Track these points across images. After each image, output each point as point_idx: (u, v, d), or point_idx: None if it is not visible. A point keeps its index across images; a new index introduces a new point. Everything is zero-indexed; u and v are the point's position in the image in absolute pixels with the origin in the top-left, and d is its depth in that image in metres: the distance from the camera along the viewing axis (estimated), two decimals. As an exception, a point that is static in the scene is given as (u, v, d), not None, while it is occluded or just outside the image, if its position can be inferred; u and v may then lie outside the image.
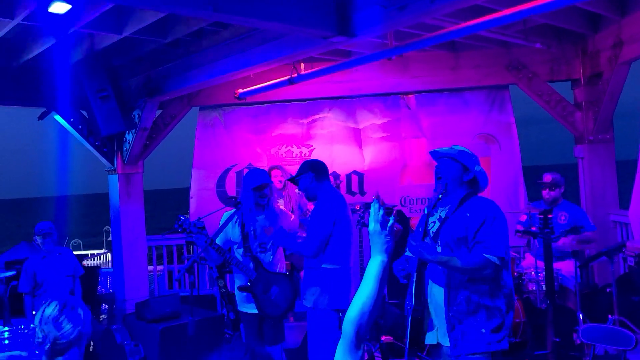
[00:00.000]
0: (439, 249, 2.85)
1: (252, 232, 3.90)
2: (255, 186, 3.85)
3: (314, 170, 3.81)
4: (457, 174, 2.90)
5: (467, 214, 2.82)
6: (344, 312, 3.64)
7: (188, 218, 3.98)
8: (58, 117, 6.42)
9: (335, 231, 3.75)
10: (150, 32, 5.06)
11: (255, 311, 3.87)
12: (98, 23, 4.70)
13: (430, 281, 2.89)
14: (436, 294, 2.87)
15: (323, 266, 3.74)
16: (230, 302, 5.23)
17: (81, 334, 1.99)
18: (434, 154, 3.01)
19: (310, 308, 3.76)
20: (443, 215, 2.92)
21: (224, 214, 3.98)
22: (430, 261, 2.78)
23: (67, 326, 1.97)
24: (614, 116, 6.37)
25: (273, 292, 3.86)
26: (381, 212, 1.82)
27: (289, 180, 3.98)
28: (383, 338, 4.89)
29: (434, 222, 2.94)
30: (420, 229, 2.95)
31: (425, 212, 3.01)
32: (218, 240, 3.87)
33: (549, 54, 6.24)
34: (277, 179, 6.07)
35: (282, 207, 4.36)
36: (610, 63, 5.75)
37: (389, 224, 1.81)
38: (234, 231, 3.95)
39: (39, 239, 5.15)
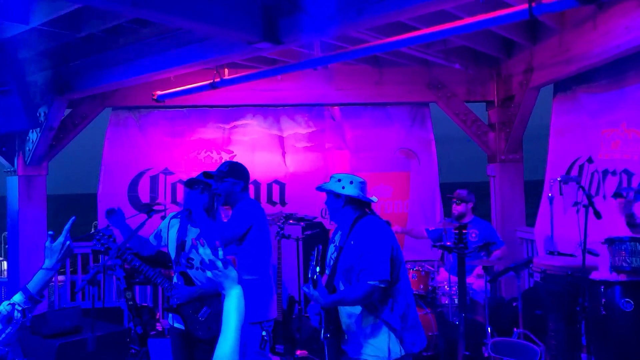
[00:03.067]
0: (340, 283, 2.94)
1: (184, 243, 3.66)
2: (189, 180, 3.63)
3: (244, 180, 3.73)
4: (332, 203, 3.03)
5: (352, 242, 2.92)
6: (265, 323, 3.53)
7: (107, 233, 3.69)
8: (-50, 110, 5.82)
9: (253, 240, 3.63)
10: (62, 25, 4.69)
11: (181, 327, 3.64)
12: (2, 11, 4.30)
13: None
14: (343, 313, 2.98)
15: (243, 277, 3.60)
16: (138, 315, 4.94)
17: None
18: (320, 190, 3.11)
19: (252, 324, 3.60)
20: (338, 244, 3.04)
21: (167, 218, 3.77)
22: (325, 305, 2.87)
23: None
24: (524, 138, 6.74)
25: (204, 313, 3.61)
26: (207, 255, 1.87)
27: (209, 174, 3.69)
28: (298, 352, 4.81)
29: (334, 252, 3.05)
30: (314, 264, 2.96)
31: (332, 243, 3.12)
32: (152, 238, 3.73)
33: (467, 75, 6.51)
34: None
35: None
36: (521, 87, 6.08)
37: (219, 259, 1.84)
38: (170, 238, 3.71)
39: None
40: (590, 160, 5.46)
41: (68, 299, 6.74)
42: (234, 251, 3.68)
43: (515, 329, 4.82)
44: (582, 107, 5.63)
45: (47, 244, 2.10)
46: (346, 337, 2.97)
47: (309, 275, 2.83)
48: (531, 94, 6.05)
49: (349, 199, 2.98)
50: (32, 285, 2.03)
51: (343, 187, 2.97)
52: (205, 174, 3.70)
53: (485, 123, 6.80)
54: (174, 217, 3.80)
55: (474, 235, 5.15)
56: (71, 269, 6.75)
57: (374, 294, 2.83)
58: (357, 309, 2.91)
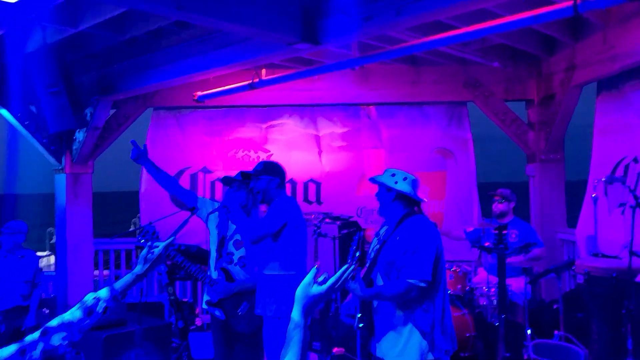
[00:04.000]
0: (378, 276, 2.97)
1: (226, 240, 3.78)
2: (242, 173, 3.73)
3: (280, 177, 3.78)
4: (382, 196, 3.05)
5: (398, 238, 2.93)
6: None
7: (150, 229, 3.81)
8: (4, 112, 6.09)
9: (288, 236, 3.68)
10: (107, 28, 4.86)
11: (220, 317, 3.75)
12: (52, 15, 4.48)
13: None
14: (378, 308, 3.01)
15: (281, 273, 3.65)
16: (179, 310, 5.06)
17: None
18: (372, 181, 3.16)
19: (269, 317, 3.66)
20: (382, 237, 3.08)
21: (209, 217, 3.86)
22: (362, 298, 2.89)
23: None
24: (565, 137, 6.59)
25: (243, 308, 3.71)
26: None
27: (247, 173, 3.76)
28: (335, 350, 4.85)
29: (376, 245, 3.09)
30: (354, 249, 2.98)
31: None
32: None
33: (505, 73, 6.41)
34: None
35: None
36: (562, 86, 5.95)
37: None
38: (211, 233, 3.83)
39: (3, 236, 5.01)
40: (636, 160, 5.30)
41: (112, 293, 6.95)
42: (271, 247, 3.74)
43: (555, 332, 4.74)
44: (628, 105, 5.46)
45: (143, 252, 2.13)
46: (375, 334, 2.98)
47: (348, 261, 2.81)
48: (573, 92, 5.91)
49: (400, 195, 2.98)
50: (119, 285, 2.07)
51: (396, 182, 2.98)
52: (243, 174, 3.78)
53: (524, 122, 6.68)
54: (211, 212, 3.88)
55: (514, 235, 5.08)
56: (115, 264, 6.98)
57: (412, 293, 2.83)
58: (391, 306, 2.92)
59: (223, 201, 3.83)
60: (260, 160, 6.96)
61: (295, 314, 1.67)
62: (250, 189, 3.77)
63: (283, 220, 3.66)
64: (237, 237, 3.76)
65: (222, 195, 3.95)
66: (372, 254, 3.05)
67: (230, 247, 3.77)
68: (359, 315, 2.97)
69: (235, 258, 3.76)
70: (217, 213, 3.86)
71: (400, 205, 3.02)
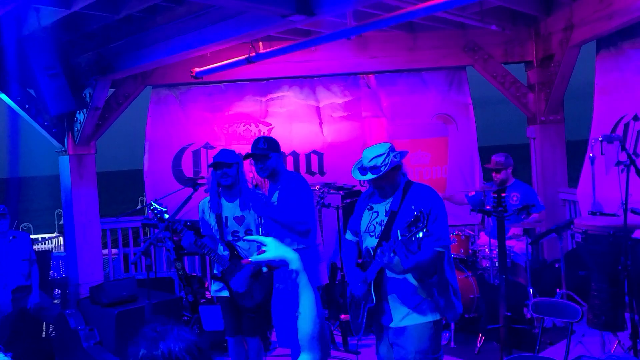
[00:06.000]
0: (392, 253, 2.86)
1: (224, 218, 3.81)
2: (211, 163, 3.78)
3: (280, 151, 3.85)
4: (386, 177, 2.94)
5: (413, 207, 2.85)
6: (321, 288, 3.63)
7: (159, 205, 3.86)
8: (3, 96, 6.11)
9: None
10: (101, 7, 4.83)
11: (226, 295, 3.82)
12: (45, -4, 4.47)
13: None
14: (391, 279, 2.97)
15: (300, 247, 3.76)
16: (189, 284, 5.18)
17: None
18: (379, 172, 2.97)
19: (289, 289, 3.76)
20: (387, 208, 2.98)
21: (200, 203, 3.90)
22: (403, 271, 2.87)
23: None
24: (565, 97, 6.57)
25: (243, 284, 3.77)
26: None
27: (257, 154, 3.79)
28: (342, 317, 4.97)
29: (377, 221, 3.01)
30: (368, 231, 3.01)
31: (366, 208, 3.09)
32: (203, 231, 3.85)
33: (504, 36, 6.36)
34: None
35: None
36: (561, 46, 5.91)
37: None
38: (209, 217, 3.88)
39: None
40: (636, 118, 5.30)
41: (122, 270, 7.11)
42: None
43: (558, 290, 4.84)
44: (628, 62, 5.44)
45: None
46: (386, 308, 2.97)
47: (399, 237, 2.72)
48: (572, 52, 5.88)
49: (396, 166, 2.96)
50: None
51: (394, 157, 2.94)
52: (247, 156, 3.82)
53: (524, 84, 6.66)
54: (204, 201, 3.94)
55: (515, 198, 5.12)
56: (123, 243, 7.10)
57: (437, 260, 2.89)
58: (406, 277, 2.94)
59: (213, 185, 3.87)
60: (262, 134, 6.99)
61: (293, 261, 1.73)
62: (260, 168, 3.80)
63: (308, 197, 3.78)
64: (237, 212, 3.80)
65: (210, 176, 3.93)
66: (378, 228, 2.99)
67: (234, 225, 3.82)
68: (373, 294, 2.91)
69: (242, 233, 3.81)
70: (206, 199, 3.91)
71: (397, 176, 3.01)
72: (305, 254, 3.70)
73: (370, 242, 3.01)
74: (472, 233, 5.51)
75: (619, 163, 3.67)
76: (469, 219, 6.27)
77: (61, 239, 9.37)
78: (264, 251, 1.74)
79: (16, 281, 5.18)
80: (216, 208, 3.81)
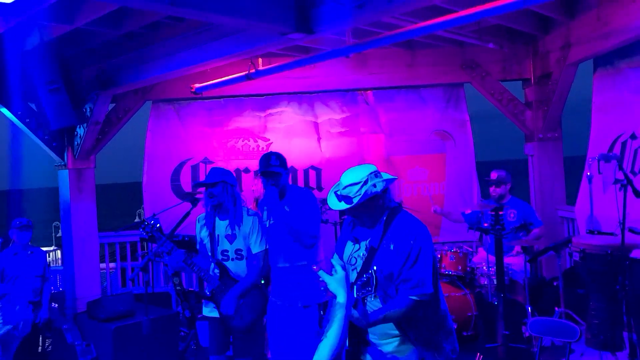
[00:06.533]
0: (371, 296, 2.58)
1: (216, 237, 3.76)
2: (203, 184, 3.75)
3: (287, 167, 3.85)
4: (367, 207, 2.57)
5: (391, 246, 2.54)
6: (322, 305, 3.56)
7: (153, 222, 3.81)
8: (4, 110, 6.14)
9: None
10: (103, 24, 4.89)
11: (215, 315, 3.75)
12: (48, 13, 4.51)
13: None
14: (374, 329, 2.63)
15: (298, 264, 3.75)
16: (186, 299, 5.17)
17: (10, 334, 1.85)
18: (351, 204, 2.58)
19: (298, 307, 3.73)
20: (368, 244, 2.62)
21: (198, 218, 3.86)
22: (366, 327, 2.52)
23: None
24: (563, 113, 6.62)
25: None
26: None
27: (268, 172, 3.74)
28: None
29: (358, 254, 2.66)
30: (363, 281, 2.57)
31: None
32: (199, 248, 3.80)
33: (502, 53, 6.42)
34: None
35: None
36: (559, 64, 5.97)
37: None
38: (202, 233, 3.84)
39: (15, 232, 5.10)
40: (633, 137, 5.34)
41: (119, 285, 7.08)
42: (291, 241, 3.80)
43: (556, 309, 4.83)
44: (625, 81, 5.48)
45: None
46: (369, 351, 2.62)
47: (355, 295, 2.44)
48: (569, 70, 5.94)
49: (380, 195, 2.58)
50: None
51: (374, 185, 2.55)
52: (260, 174, 3.81)
53: (521, 102, 6.71)
54: (201, 217, 3.89)
55: (512, 215, 5.14)
56: (120, 257, 7.08)
57: (416, 310, 2.51)
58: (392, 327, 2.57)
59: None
60: (260, 150, 7.02)
61: (341, 296, 1.85)
62: (272, 184, 3.77)
63: (317, 210, 3.79)
64: (228, 231, 3.75)
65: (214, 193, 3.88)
66: (359, 260, 2.62)
67: (224, 244, 3.76)
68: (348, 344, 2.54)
69: (231, 253, 3.75)
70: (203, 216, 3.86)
71: (377, 206, 2.59)
72: (308, 270, 3.67)
73: (352, 275, 2.64)
74: (470, 250, 5.51)
75: (616, 181, 3.69)
76: (467, 235, 6.28)
77: (59, 252, 9.33)
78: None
79: (27, 296, 5.18)
80: (210, 226, 3.77)
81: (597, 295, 3.95)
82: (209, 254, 3.80)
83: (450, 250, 5.17)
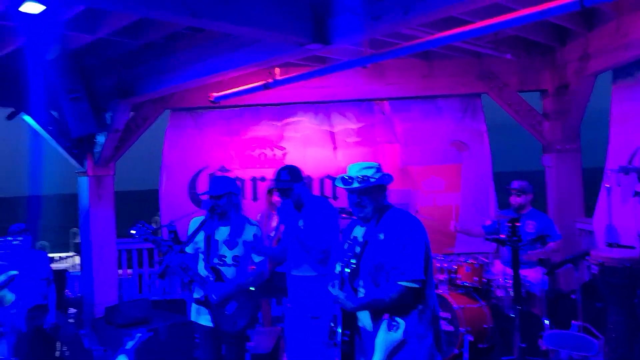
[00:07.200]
0: (361, 283, 2.64)
1: (214, 242, 3.76)
2: (208, 195, 3.76)
3: (302, 179, 3.88)
4: (366, 196, 2.71)
5: (382, 237, 2.63)
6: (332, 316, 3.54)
7: (144, 226, 3.74)
8: (27, 118, 6.28)
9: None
10: (124, 34, 4.99)
11: (210, 324, 3.70)
12: (71, 23, 4.63)
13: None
14: (363, 319, 2.71)
15: (315, 274, 3.76)
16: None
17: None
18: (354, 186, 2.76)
19: (310, 317, 3.75)
20: (360, 238, 2.75)
21: (192, 221, 3.82)
22: (351, 309, 2.59)
23: (11, 306, 1.69)
24: (582, 124, 6.56)
25: (230, 307, 3.67)
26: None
27: (281, 188, 3.81)
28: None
29: (356, 248, 2.75)
30: (347, 262, 2.71)
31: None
32: (189, 249, 3.77)
33: (519, 64, 6.40)
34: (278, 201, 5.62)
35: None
36: (577, 75, 5.93)
37: None
38: (198, 237, 3.80)
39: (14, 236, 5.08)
40: (653, 149, 5.27)
41: (136, 291, 7.15)
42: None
43: (574, 322, 4.76)
44: (644, 92, 5.43)
45: None
46: (364, 347, 2.67)
47: (340, 270, 2.55)
48: (588, 81, 5.89)
49: (378, 187, 2.72)
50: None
51: (376, 173, 2.73)
52: (271, 190, 3.86)
53: (539, 112, 6.67)
54: (201, 221, 3.80)
55: (531, 226, 5.08)
56: (138, 263, 7.16)
57: (407, 297, 2.55)
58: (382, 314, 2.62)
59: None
60: (276, 158, 7.06)
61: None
62: (285, 197, 3.84)
63: (333, 225, 3.78)
64: (228, 237, 3.75)
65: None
66: (354, 260, 2.70)
67: (223, 249, 3.75)
68: (340, 328, 2.63)
69: (229, 259, 3.74)
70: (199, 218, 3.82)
71: (381, 199, 2.73)
72: (323, 281, 3.66)
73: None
74: (486, 261, 5.47)
75: (636, 194, 3.65)
76: (483, 246, 6.22)
77: (77, 258, 9.45)
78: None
79: (34, 300, 5.23)
80: (209, 229, 3.76)
81: (615, 309, 3.89)
82: (204, 257, 3.75)
83: (466, 262, 5.14)
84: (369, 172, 2.71)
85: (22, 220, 5.89)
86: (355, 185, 2.69)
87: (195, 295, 3.77)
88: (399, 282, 2.55)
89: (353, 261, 2.65)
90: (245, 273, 3.76)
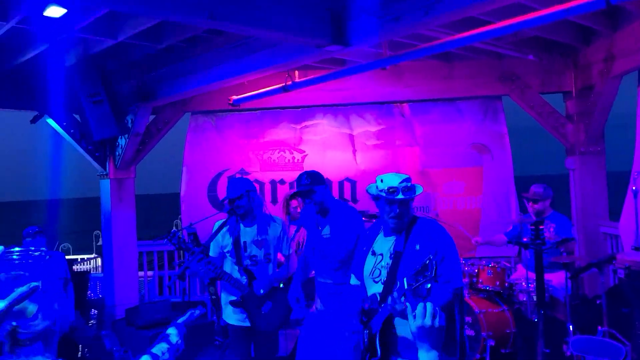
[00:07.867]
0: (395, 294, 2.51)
1: (242, 243, 3.81)
2: (227, 199, 3.79)
3: (324, 183, 3.83)
4: (404, 207, 2.74)
5: (417, 247, 2.65)
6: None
7: (178, 232, 3.84)
8: (50, 121, 6.38)
9: (360, 247, 3.74)
10: (144, 38, 5.05)
11: (244, 324, 3.78)
12: (93, 28, 4.69)
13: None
14: (400, 326, 2.65)
15: (351, 284, 3.74)
16: (221, 308, 5.21)
17: (50, 330, 1.77)
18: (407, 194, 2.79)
19: (350, 332, 3.71)
20: (392, 250, 2.74)
21: (215, 224, 3.87)
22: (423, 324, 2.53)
23: (33, 317, 1.70)
24: (606, 128, 6.42)
25: (266, 306, 3.77)
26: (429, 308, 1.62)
27: (302, 191, 3.77)
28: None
29: (382, 265, 2.74)
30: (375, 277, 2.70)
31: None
32: (211, 252, 3.81)
33: (541, 65, 6.30)
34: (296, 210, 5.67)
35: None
36: (601, 76, 5.81)
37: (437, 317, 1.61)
38: (225, 241, 3.87)
39: (29, 240, 5.14)
40: (680, 150, 5.14)
41: (157, 292, 7.21)
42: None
43: (599, 328, 4.65)
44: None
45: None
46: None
47: (405, 287, 2.34)
48: (613, 82, 5.77)
49: (405, 200, 2.73)
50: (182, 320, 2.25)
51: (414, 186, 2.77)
52: (293, 195, 3.87)
53: (562, 115, 6.55)
54: (222, 224, 3.85)
55: (552, 229, 4.98)
56: (158, 265, 7.22)
57: (454, 304, 2.62)
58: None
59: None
60: (295, 161, 7.05)
61: None
62: (308, 203, 3.82)
63: (356, 235, 3.71)
64: (256, 237, 3.82)
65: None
66: (382, 272, 2.71)
67: (253, 250, 3.81)
68: (379, 345, 2.56)
69: (261, 257, 3.82)
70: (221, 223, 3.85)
71: (411, 209, 2.78)
72: (345, 289, 3.55)
73: (376, 288, 2.73)
74: (509, 265, 5.37)
75: (663, 197, 3.54)
76: (505, 250, 6.13)
77: (99, 260, 9.57)
78: None
79: (54, 298, 5.27)
80: (234, 232, 3.81)
81: (642, 315, 3.79)
82: (234, 260, 3.82)
83: (488, 265, 5.05)
84: (408, 184, 2.76)
85: (40, 223, 5.96)
86: (400, 196, 2.72)
87: (231, 298, 3.82)
88: (454, 287, 2.64)
89: (384, 273, 2.67)
90: (282, 268, 3.92)
